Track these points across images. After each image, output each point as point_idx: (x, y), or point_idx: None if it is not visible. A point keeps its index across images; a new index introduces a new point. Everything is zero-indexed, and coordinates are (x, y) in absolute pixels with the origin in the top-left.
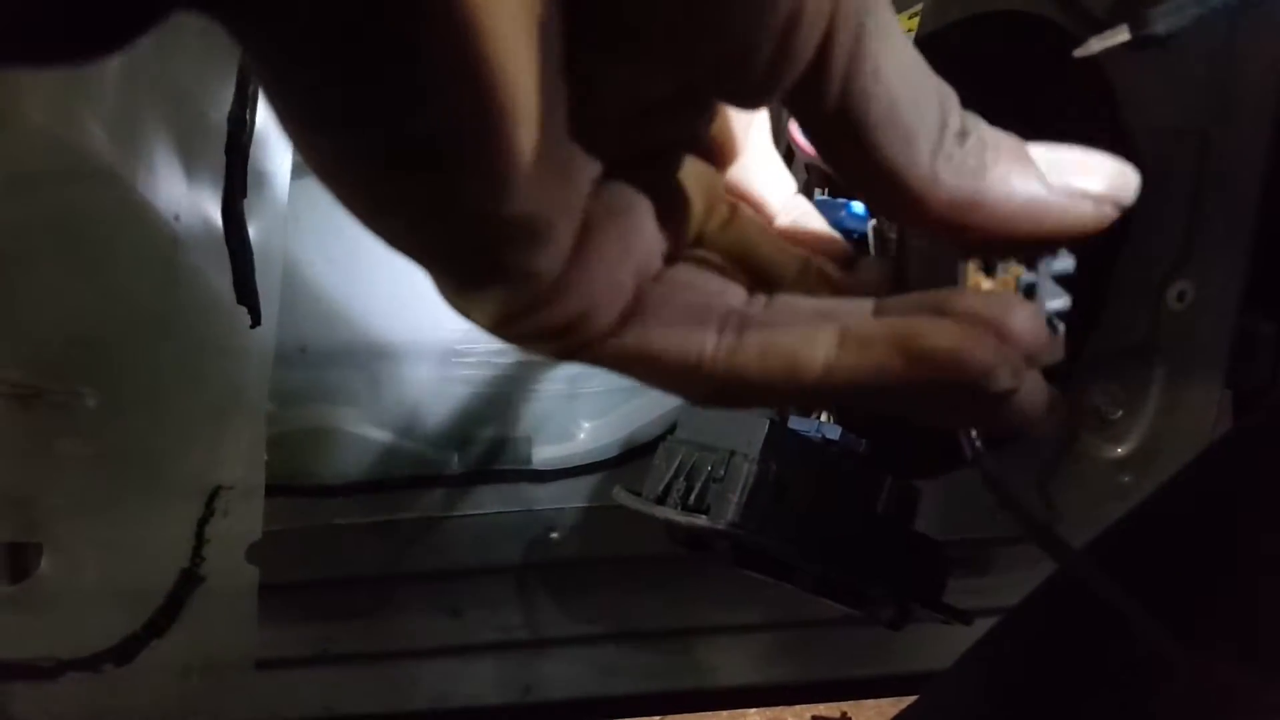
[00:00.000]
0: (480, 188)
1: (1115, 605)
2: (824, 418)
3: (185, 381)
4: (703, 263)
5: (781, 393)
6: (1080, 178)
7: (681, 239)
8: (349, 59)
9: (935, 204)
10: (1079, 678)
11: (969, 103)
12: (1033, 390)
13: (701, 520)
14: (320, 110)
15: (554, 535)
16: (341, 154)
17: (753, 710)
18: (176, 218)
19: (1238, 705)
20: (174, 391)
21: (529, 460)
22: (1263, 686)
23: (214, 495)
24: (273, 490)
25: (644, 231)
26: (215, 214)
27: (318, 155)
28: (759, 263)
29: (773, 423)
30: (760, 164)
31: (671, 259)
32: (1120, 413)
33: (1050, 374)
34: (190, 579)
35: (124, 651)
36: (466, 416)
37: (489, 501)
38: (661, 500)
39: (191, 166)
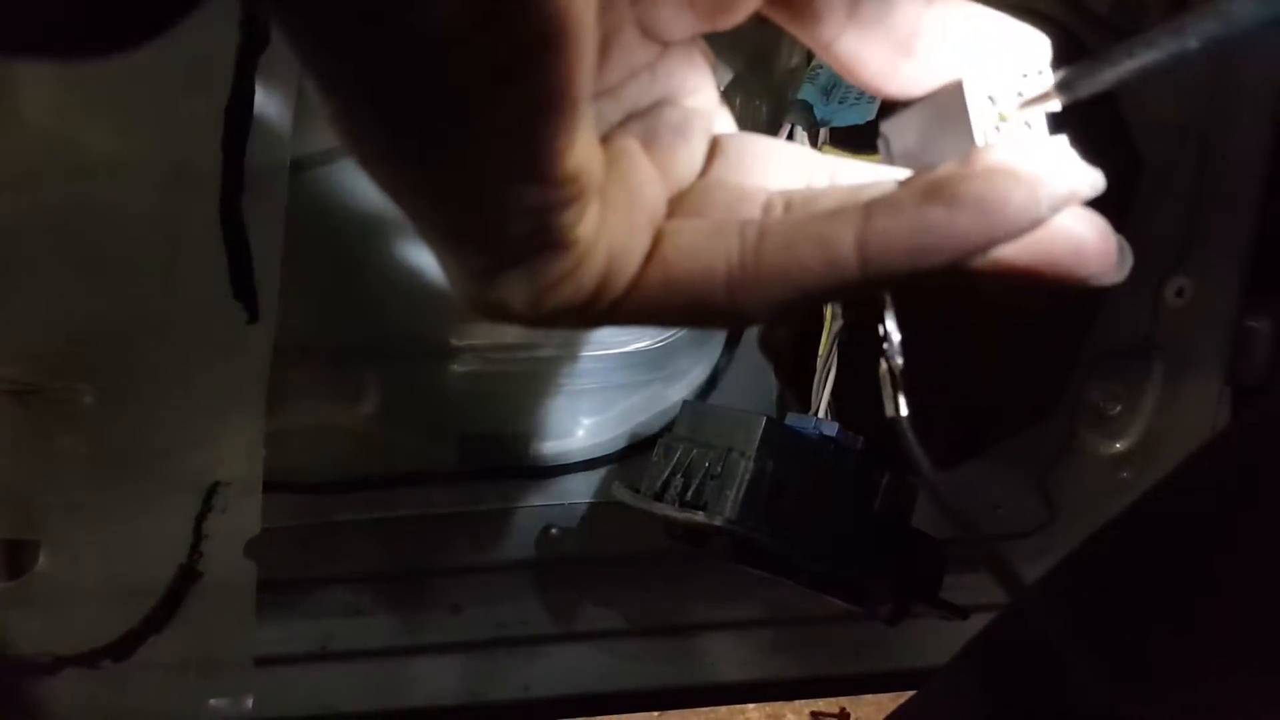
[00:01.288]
0: (547, 140)
1: (1054, 644)
2: (821, 415)
3: (183, 378)
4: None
5: (819, 283)
6: None
7: (681, 174)
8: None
9: None
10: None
11: None
12: (1082, 222)
13: (699, 517)
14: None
15: (553, 531)
16: (420, 136)
17: (751, 706)
18: (173, 214)
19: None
20: (172, 388)
21: (528, 457)
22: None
23: (212, 491)
24: (271, 486)
25: (648, 174)
26: (213, 210)
27: (383, 136)
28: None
29: (770, 420)
30: None
31: (677, 194)
32: (1119, 408)
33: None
34: (188, 575)
35: (122, 648)
36: (465, 413)
37: (488, 498)
38: (660, 497)
39: (189, 162)
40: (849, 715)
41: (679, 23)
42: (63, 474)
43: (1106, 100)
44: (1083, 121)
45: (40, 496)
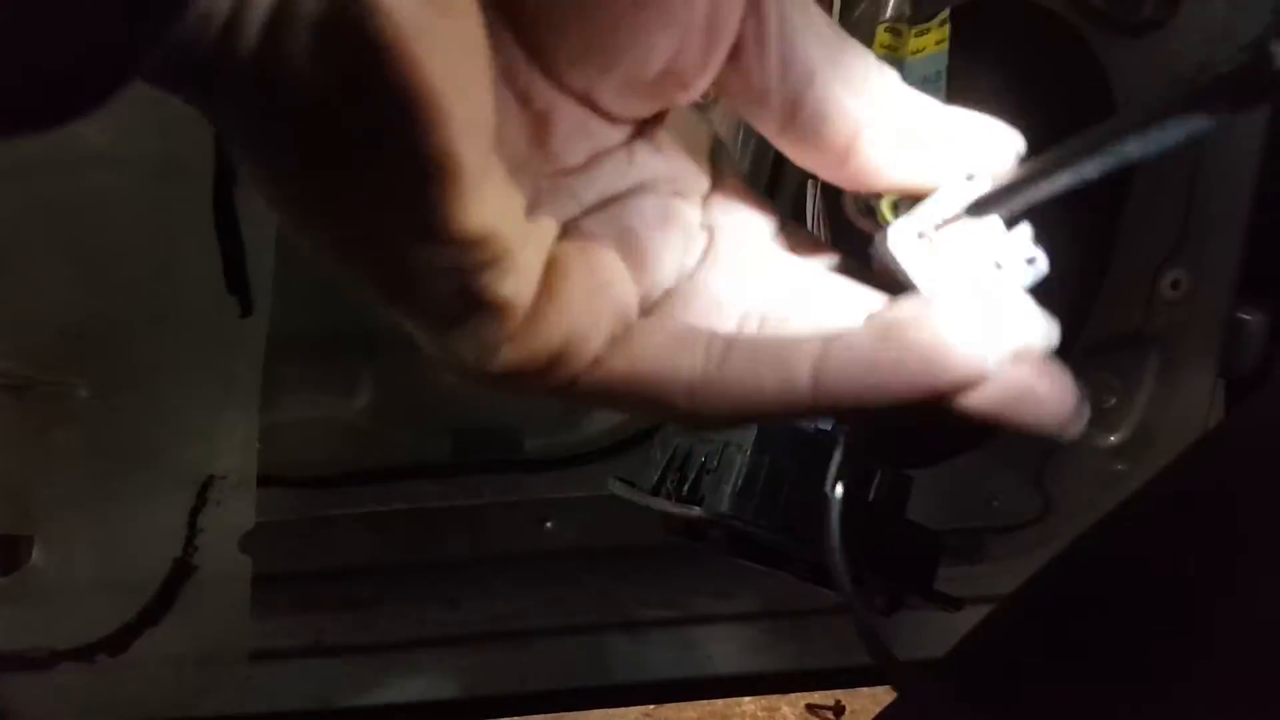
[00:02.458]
0: (435, 202)
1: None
2: None
3: (177, 372)
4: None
5: (774, 405)
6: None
7: (661, 272)
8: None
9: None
10: (1071, 667)
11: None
12: (1038, 375)
13: (696, 511)
14: (280, 157)
15: (549, 525)
16: (317, 196)
17: (747, 699)
18: (167, 208)
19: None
20: (166, 382)
21: (524, 450)
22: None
23: (207, 485)
24: (265, 480)
25: (616, 269)
26: (206, 204)
27: (287, 205)
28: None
29: None
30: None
31: (652, 295)
32: (1114, 401)
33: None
34: (183, 569)
35: (117, 642)
36: (461, 406)
37: (483, 492)
38: (656, 491)
39: (182, 155)
40: (844, 708)
41: (627, 103)
42: (57, 468)
43: (1102, 94)
44: (1078, 116)
45: (35, 491)
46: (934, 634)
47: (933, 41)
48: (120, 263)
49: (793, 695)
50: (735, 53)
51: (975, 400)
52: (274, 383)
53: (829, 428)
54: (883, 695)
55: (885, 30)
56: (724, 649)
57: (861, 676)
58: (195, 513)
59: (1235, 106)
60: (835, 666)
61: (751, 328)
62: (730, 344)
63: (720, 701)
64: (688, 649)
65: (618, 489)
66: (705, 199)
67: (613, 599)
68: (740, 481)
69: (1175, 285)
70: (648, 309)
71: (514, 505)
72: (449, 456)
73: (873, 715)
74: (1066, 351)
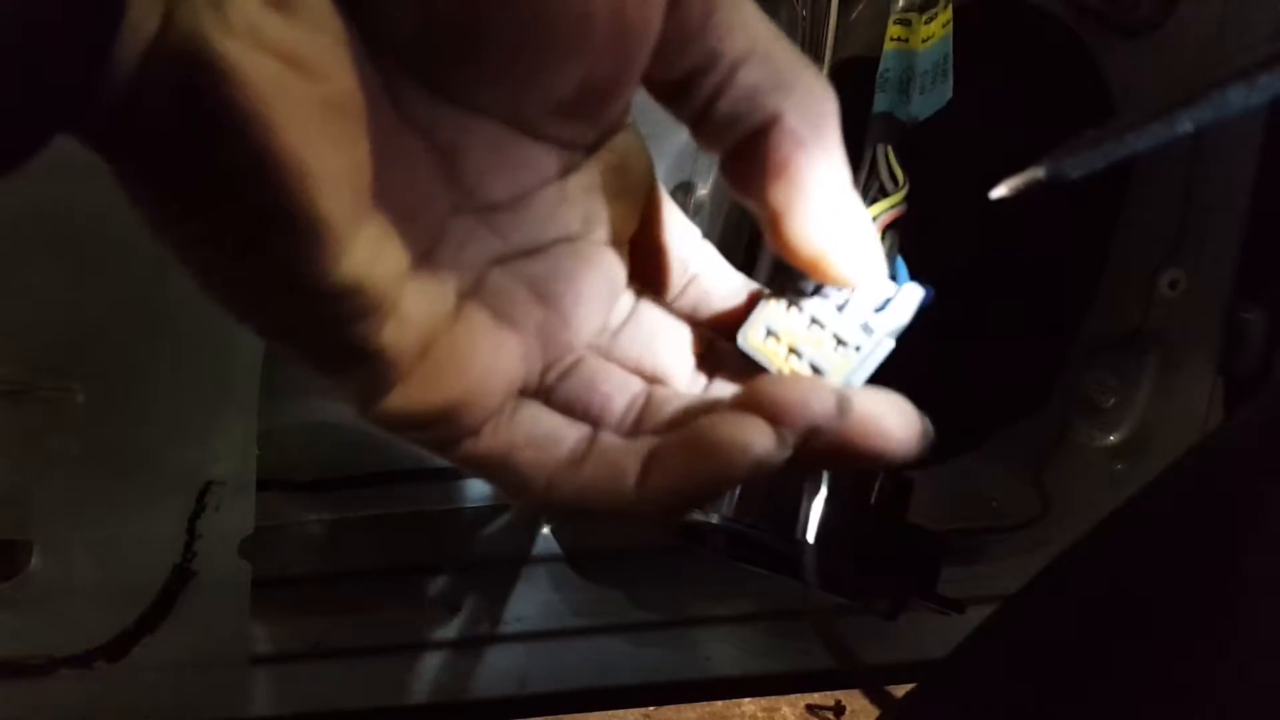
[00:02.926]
0: (301, 257)
1: None
2: None
3: (175, 376)
4: (595, 368)
5: (608, 505)
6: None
7: (580, 334)
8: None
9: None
10: (1078, 668)
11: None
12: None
13: (697, 514)
14: (165, 208)
15: (548, 528)
16: (188, 241)
17: (747, 700)
18: None
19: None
20: (164, 386)
21: None
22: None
23: (205, 490)
24: (264, 485)
25: (513, 348)
26: None
27: (170, 248)
28: (657, 366)
29: None
30: (666, 230)
31: (565, 358)
32: (1113, 400)
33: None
34: (182, 575)
35: (116, 648)
36: None
37: (482, 494)
38: None
39: None
40: (845, 708)
41: (557, 122)
42: (55, 474)
43: (1100, 94)
44: (1075, 115)
45: (33, 496)
46: (935, 635)
47: (940, 25)
48: (117, 267)
49: (792, 696)
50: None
51: (822, 442)
52: (272, 387)
53: None
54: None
55: (895, 23)
56: (724, 650)
57: (862, 677)
58: (194, 518)
59: None
60: (835, 667)
61: (638, 405)
62: (591, 445)
63: (720, 703)
64: (687, 651)
65: None
66: (634, 243)
67: (612, 601)
68: (740, 485)
69: (1174, 285)
70: (557, 374)
71: (513, 508)
72: (448, 460)
73: (873, 716)
74: (1066, 351)
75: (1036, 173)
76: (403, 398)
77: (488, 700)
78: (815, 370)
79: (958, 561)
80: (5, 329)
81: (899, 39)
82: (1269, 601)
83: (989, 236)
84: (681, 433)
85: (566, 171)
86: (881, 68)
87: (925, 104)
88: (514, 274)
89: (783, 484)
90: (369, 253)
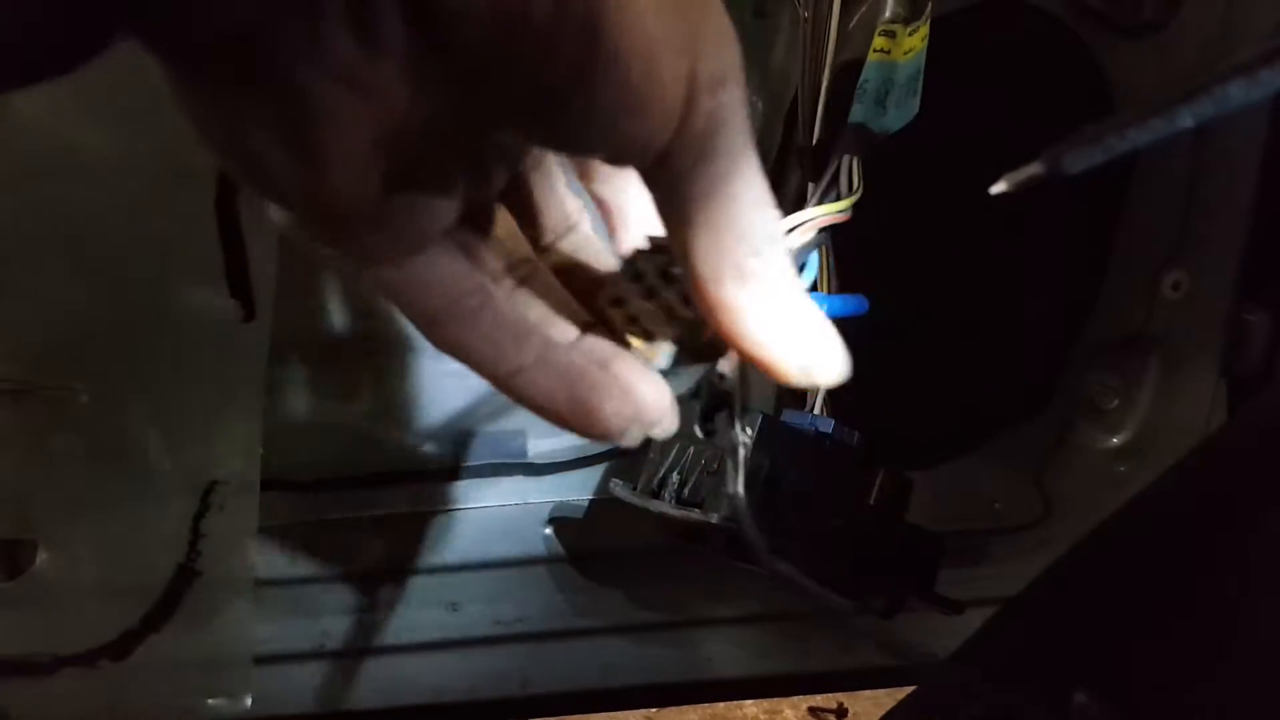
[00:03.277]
0: None
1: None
2: (817, 411)
3: (179, 376)
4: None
5: (483, 374)
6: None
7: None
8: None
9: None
10: (1076, 671)
11: (966, 90)
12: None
13: (696, 514)
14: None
15: (549, 528)
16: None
17: (749, 701)
18: (169, 212)
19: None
20: (168, 386)
21: (524, 454)
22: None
23: (210, 490)
24: (268, 485)
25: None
26: (208, 208)
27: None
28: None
29: (766, 417)
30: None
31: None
32: (1116, 402)
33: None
34: (186, 574)
35: (120, 647)
36: (462, 410)
37: (485, 495)
38: (656, 494)
39: (184, 160)
40: (847, 710)
41: None
42: (59, 473)
43: (1102, 94)
44: (1077, 117)
45: (37, 496)
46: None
47: (919, 39)
48: (122, 267)
49: (795, 698)
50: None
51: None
52: (277, 387)
53: (829, 429)
54: (884, 698)
55: (880, 34)
56: (725, 652)
57: (863, 679)
58: (198, 518)
59: None
60: (838, 669)
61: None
62: (486, 303)
63: (722, 704)
64: (689, 652)
65: (618, 491)
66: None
67: (614, 602)
68: (740, 485)
69: (1176, 286)
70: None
71: (515, 508)
72: (451, 460)
73: (875, 718)
74: (1067, 352)
75: (1035, 168)
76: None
77: (489, 701)
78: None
79: (959, 563)
80: (8, 328)
81: (882, 50)
82: (1270, 603)
83: (990, 238)
84: (573, 363)
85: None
86: (862, 78)
87: (898, 117)
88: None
89: (782, 485)
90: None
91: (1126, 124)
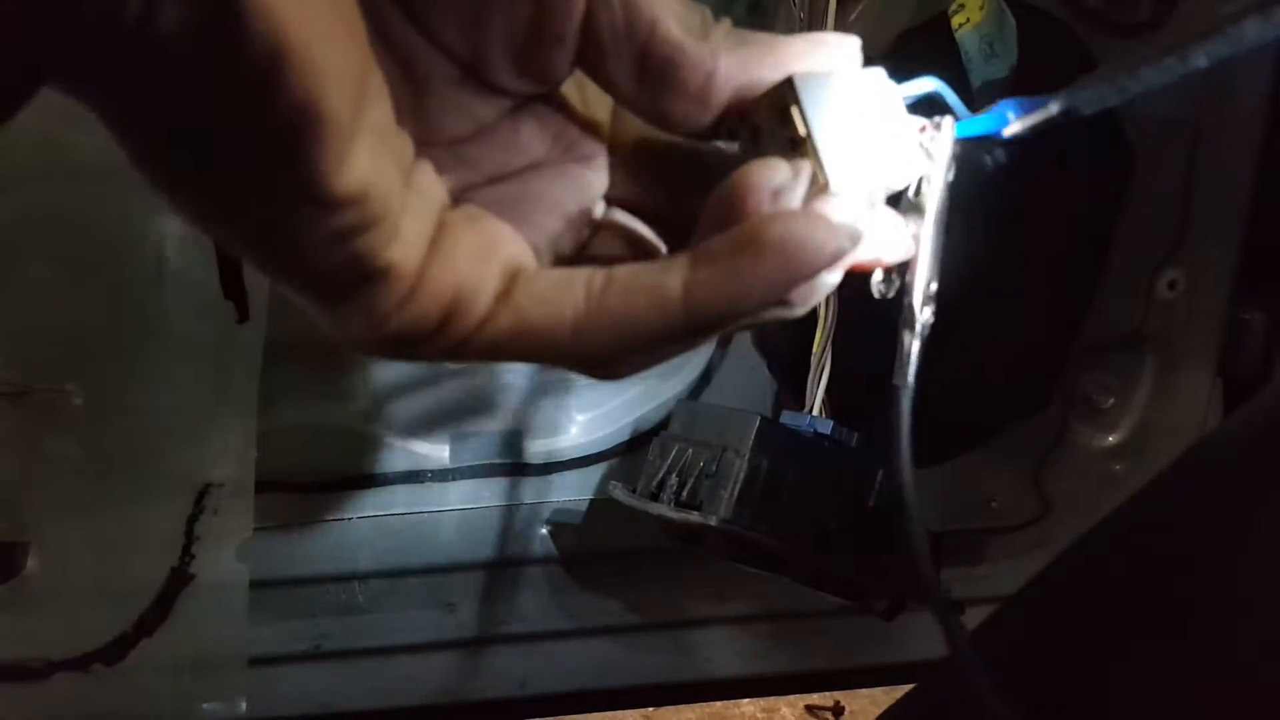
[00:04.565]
0: (307, 159)
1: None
2: (816, 412)
3: (173, 378)
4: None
5: (653, 329)
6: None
7: (547, 234)
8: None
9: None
10: (1072, 669)
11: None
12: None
13: (694, 516)
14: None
15: (547, 529)
16: (188, 172)
17: (746, 700)
18: (162, 214)
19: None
20: (162, 388)
21: (521, 454)
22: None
23: (203, 492)
24: (262, 487)
25: (503, 231)
26: None
27: (170, 185)
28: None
29: (764, 419)
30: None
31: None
32: (1112, 401)
33: None
34: (180, 577)
35: (114, 651)
36: (458, 410)
37: (481, 496)
38: (655, 496)
39: None
40: (844, 709)
41: (510, 73)
42: (53, 476)
43: None
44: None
45: (30, 498)
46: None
47: (976, 6)
48: (115, 269)
49: (791, 696)
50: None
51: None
52: (271, 388)
53: (828, 431)
54: (881, 697)
55: (953, 14)
56: (723, 651)
57: (861, 678)
58: (192, 520)
59: None
60: (834, 668)
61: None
62: (609, 276)
63: (719, 703)
64: (686, 652)
65: (616, 493)
66: (609, 154)
67: (611, 603)
68: (738, 486)
69: (1173, 285)
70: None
71: (512, 509)
72: (447, 461)
73: (872, 716)
74: (1065, 352)
75: (1050, 109)
76: (407, 313)
77: (488, 701)
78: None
79: (957, 562)
80: (3, 331)
81: (963, 23)
82: (1267, 602)
83: (988, 237)
84: (734, 233)
85: (526, 105)
86: (963, 53)
87: (995, 67)
88: (485, 198)
89: (780, 486)
90: (369, 160)
91: (1141, 64)
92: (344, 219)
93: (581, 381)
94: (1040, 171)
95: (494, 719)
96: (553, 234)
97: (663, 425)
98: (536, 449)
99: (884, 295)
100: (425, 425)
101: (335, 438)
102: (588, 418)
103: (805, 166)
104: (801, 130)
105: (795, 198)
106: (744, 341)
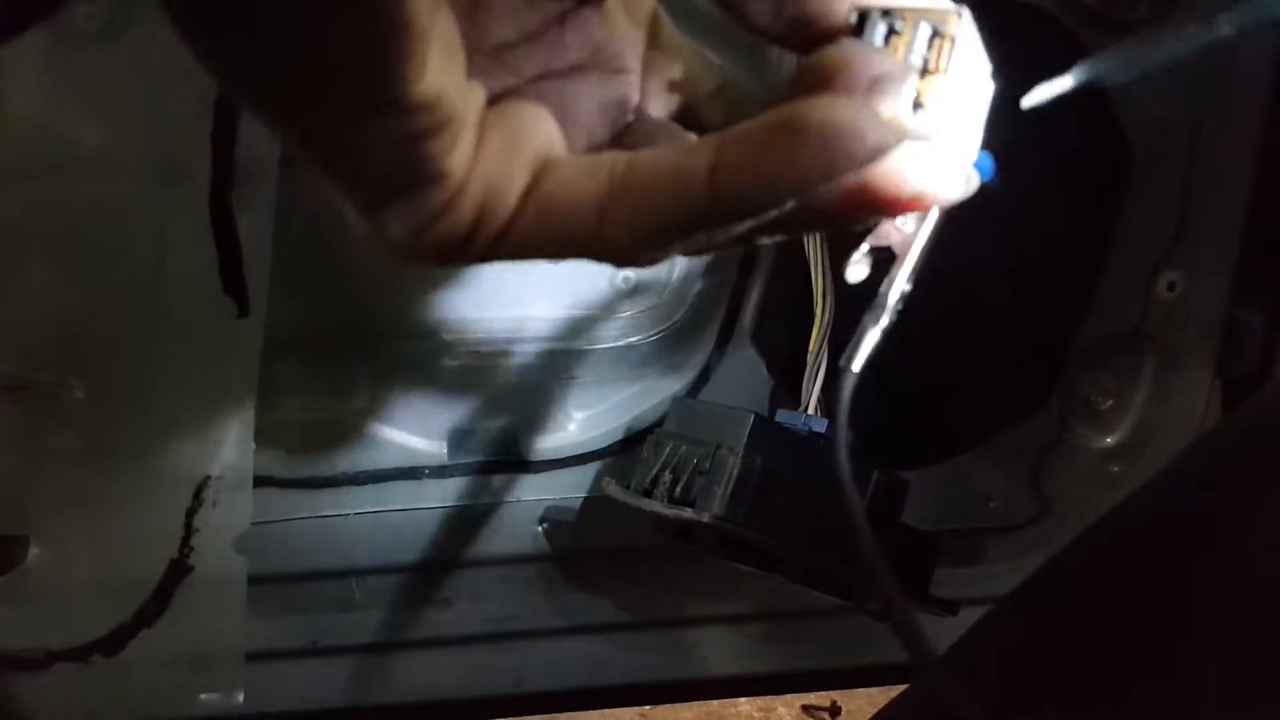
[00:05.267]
0: (388, 63)
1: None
2: (811, 411)
3: (174, 373)
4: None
5: (675, 211)
6: None
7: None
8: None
9: None
10: (1069, 669)
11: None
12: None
13: (688, 513)
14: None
15: (543, 526)
16: (268, 68)
17: (743, 700)
18: (163, 209)
19: None
20: (162, 382)
21: (519, 451)
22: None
23: (203, 486)
24: (261, 481)
25: (534, 115)
26: (202, 204)
27: (246, 80)
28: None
29: (758, 417)
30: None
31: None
32: (1110, 402)
33: None
34: (179, 570)
35: (113, 643)
36: (456, 408)
37: (478, 493)
38: (649, 493)
39: (178, 156)
40: (840, 708)
41: None
42: (53, 469)
43: (1096, 91)
44: (1073, 114)
45: (30, 491)
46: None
47: None
48: (116, 264)
49: (788, 696)
50: None
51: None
52: (270, 383)
53: (823, 429)
54: (878, 696)
55: None
56: (719, 650)
57: (857, 678)
58: (191, 513)
59: None
60: (831, 668)
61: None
62: (632, 159)
63: (716, 702)
64: (683, 650)
65: (611, 491)
66: (644, 68)
67: (606, 600)
68: (732, 484)
69: (1172, 286)
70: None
71: (508, 506)
72: (444, 457)
73: (868, 716)
74: (1064, 352)
75: (1069, 79)
76: (451, 215)
77: (484, 699)
78: None
79: (954, 562)
80: (4, 325)
81: None
82: (1265, 602)
83: (987, 237)
84: (772, 114)
85: (571, 11)
86: None
87: None
88: (531, 94)
89: (774, 484)
90: (441, 67)
91: (1164, 32)
92: (415, 124)
93: (579, 379)
94: (1040, 172)
95: (490, 716)
96: (587, 128)
97: (660, 423)
98: (534, 446)
99: (858, 280)
100: (423, 422)
101: (333, 434)
102: (585, 415)
103: (923, 87)
104: (944, 66)
105: (887, 104)
106: (743, 341)
